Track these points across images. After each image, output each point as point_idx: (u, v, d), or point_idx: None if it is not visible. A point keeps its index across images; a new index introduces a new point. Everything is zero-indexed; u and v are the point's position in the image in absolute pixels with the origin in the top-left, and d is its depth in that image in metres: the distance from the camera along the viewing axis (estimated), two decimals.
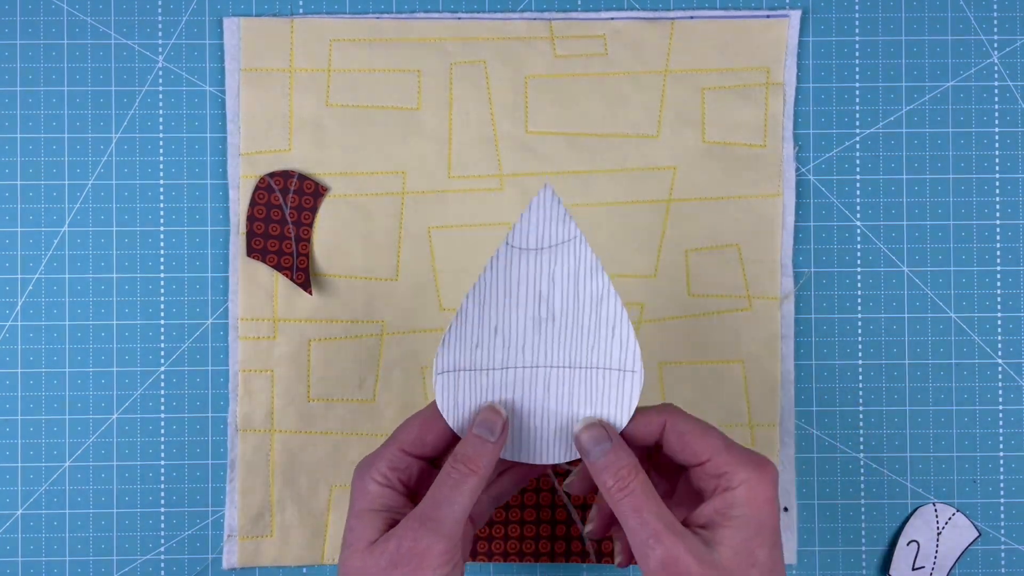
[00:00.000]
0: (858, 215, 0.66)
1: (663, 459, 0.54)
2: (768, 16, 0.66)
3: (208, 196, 0.66)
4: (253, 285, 0.66)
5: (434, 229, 0.66)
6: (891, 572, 0.66)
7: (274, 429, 0.66)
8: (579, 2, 0.67)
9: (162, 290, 0.66)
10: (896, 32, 0.67)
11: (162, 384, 0.66)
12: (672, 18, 0.66)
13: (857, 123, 0.67)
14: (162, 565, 0.66)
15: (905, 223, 0.66)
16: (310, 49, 0.66)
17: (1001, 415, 0.66)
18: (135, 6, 0.66)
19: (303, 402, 0.66)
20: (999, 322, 0.66)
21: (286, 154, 0.66)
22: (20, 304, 0.66)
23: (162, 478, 0.66)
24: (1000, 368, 0.66)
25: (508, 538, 0.65)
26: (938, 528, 0.66)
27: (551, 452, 0.53)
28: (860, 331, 0.66)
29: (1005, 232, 0.67)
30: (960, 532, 0.66)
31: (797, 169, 0.66)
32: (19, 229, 0.66)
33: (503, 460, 0.53)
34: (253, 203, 0.65)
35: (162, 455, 0.66)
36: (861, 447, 0.66)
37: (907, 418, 0.66)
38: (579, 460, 0.52)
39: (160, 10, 0.66)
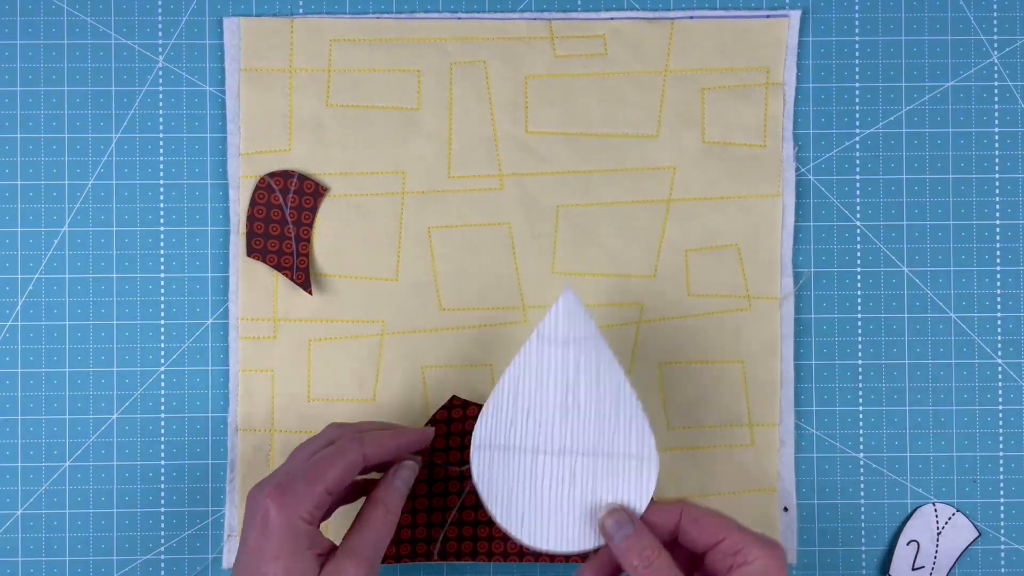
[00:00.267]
0: (858, 215, 0.67)
1: (678, 552, 0.56)
2: (768, 16, 0.66)
3: (208, 196, 0.66)
4: (253, 285, 0.66)
5: (434, 229, 0.66)
6: (891, 572, 0.66)
7: (274, 429, 0.66)
8: (579, 2, 0.67)
9: (162, 290, 0.66)
10: (896, 32, 0.67)
11: (162, 384, 0.66)
12: (672, 18, 0.66)
13: (857, 123, 0.67)
14: (162, 565, 0.66)
15: (905, 223, 0.67)
16: (310, 49, 0.66)
17: (1001, 415, 0.66)
18: (135, 6, 0.66)
19: (303, 402, 0.66)
20: (999, 322, 0.66)
21: (286, 154, 0.66)
22: (20, 304, 0.66)
23: (162, 478, 0.66)
24: (1000, 368, 0.66)
25: (492, 538, 0.65)
26: (938, 528, 0.66)
27: (576, 539, 0.57)
28: (860, 331, 0.66)
29: (1005, 232, 0.67)
30: (960, 532, 0.66)
31: (797, 169, 0.66)
32: (19, 229, 0.66)
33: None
34: (253, 203, 0.65)
35: (162, 455, 0.66)
36: (861, 447, 0.66)
37: (907, 418, 0.66)
38: (600, 547, 0.57)
39: (160, 10, 0.66)
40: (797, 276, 0.66)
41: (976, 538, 0.66)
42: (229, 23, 0.66)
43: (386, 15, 0.66)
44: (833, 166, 0.67)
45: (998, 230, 0.67)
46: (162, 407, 0.66)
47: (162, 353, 0.66)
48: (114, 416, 0.66)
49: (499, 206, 0.66)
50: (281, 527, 0.53)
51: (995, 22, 0.67)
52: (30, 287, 0.66)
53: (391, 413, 0.66)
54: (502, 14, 0.66)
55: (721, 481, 0.66)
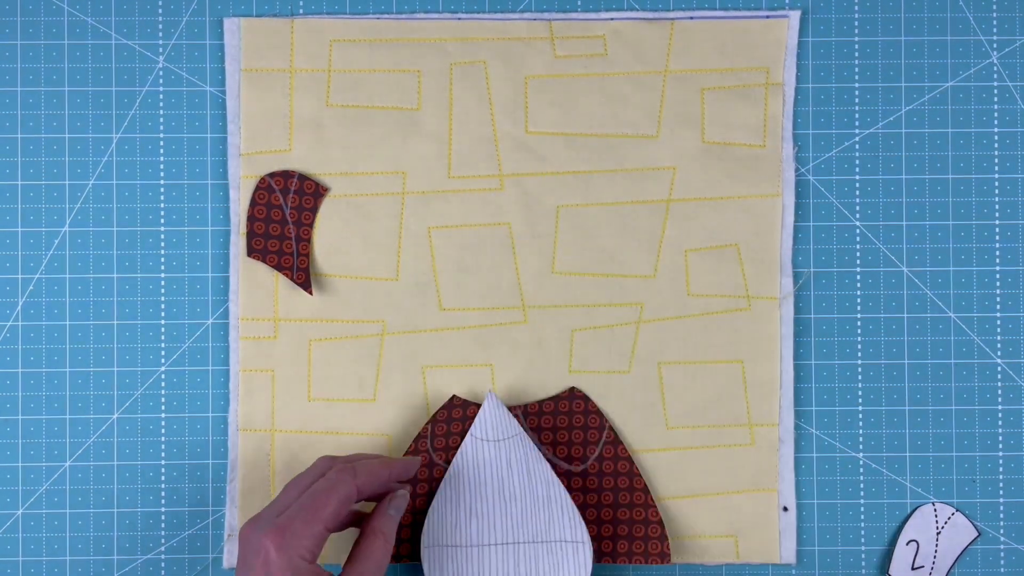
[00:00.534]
0: (857, 215, 0.67)
1: None
2: (768, 16, 0.66)
3: (208, 196, 0.66)
4: (253, 285, 0.66)
5: (434, 229, 0.66)
6: (891, 572, 0.66)
7: (274, 429, 0.66)
8: (579, 2, 0.67)
9: (162, 290, 0.66)
10: (895, 32, 0.67)
11: (162, 384, 0.66)
12: (672, 18, 0.66)
13: (856, 123, 0.67)
14: (162, 565, 0.66)
15: (904, 223, 0.67)
16: (310, 49, 0.66)
17: (1000, 415, 0.66)
18: (136, 6, 0.66)
19: (303, 402, 0.66)
20: (998, 322, 0.66)
21: (286, 154, 0.66)
22: (21, 304, 0.66)
23: (162, 478, 0.66)
24: (999, 368, 0.66)
25: None
26: (937, 528, 0.66)
27: None
28: (859, 331, 0.66)
29: (1004, 232, 0.67)
30: (959, 532, 0.66)
31: (796, 169, 0.66)
32: (20, 229, 0.66)
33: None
34: (253, 203, 0.65)
35: (162, 455, 0.66)
36: (860, 447, 0.66)
37: (906, 418, 0.66)
38: None
39: (160, 10, 0.66)
40: (797, 276, 0.66)
41: (976, 538, 0.66)
42: (229, 23, 0.66)
43: (386, 15, 0.66)
44: (833, 166, 0.67)
45: (997, 230, 0.67)
46: (162, 407, 0.66)
47: (162, 353, 0.66)
48: (114, 416, 0.66)
49: (499, 206, 0.66)
50: (282, 568, 0.54)
51: (995, 22, 0.67)
52: (31, 287, 0.66)
53: (391, 413, 0.66)
54: (502, 14, 0.66)
55: (721, 481, 0.66)
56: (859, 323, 0.66)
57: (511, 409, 0.65)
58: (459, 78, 0.66)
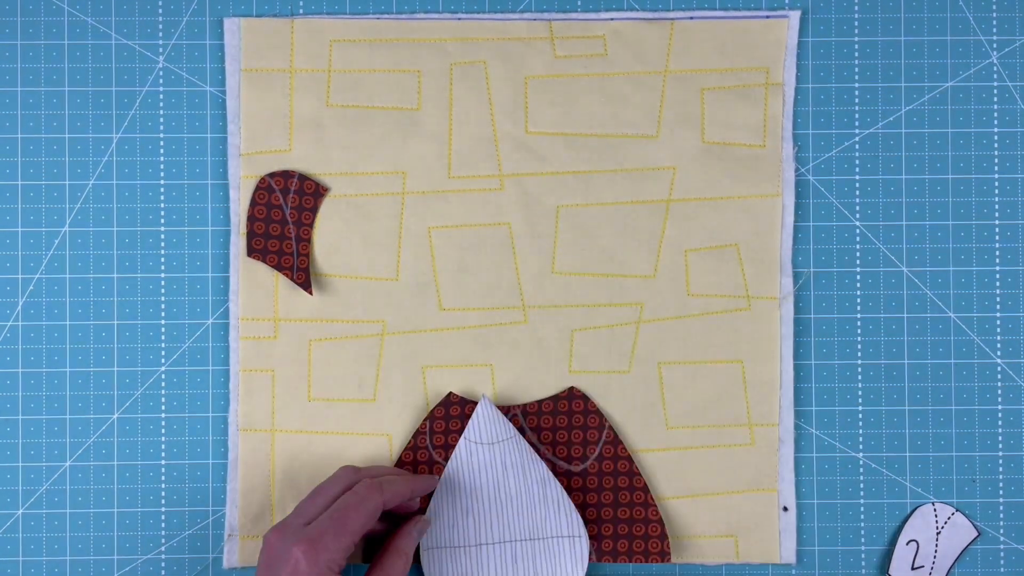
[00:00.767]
0: (857, 215, 0.67)
1: None
2: (768, 17, 0.66)
3: (208, 196, 0.66)
4: (254, 285, 0.66)
5: (434, 229, 0.66)
6: (890, 572, 0.66)
7: (275, 429, 0.66)
8: (579, 2, 0.67)
9: (163, 290, 0.66)
10: (895, 32, 0.67)
11: (163, 384, 0.66)
12: (672, 18, 0.66)
13: (856, 123, 0.67)
14: (163, 564, 0.66)
15: (904, 223, 0.67)
16: (310, 49, 0.66)
17: (1000, 415, 0.66)
18: (136, 7, 0.66)
19: (303, 402, 0.66)
20: (998, 322, 0.66)
21: (286, 154, 0.66)
22: (21, 304, 0.66)
23: (163, 478, 0.66)
24: (999, 368, 0.66)
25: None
26: (937, 527, 0.66)
27: None
28: (859, 331, 0.66)
29: (1004, 232, 0.67)
30: (959, 531, 0.66)
31: (796, 169, 0.66)
32: (20, 229, 0.66)
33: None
34: (253, 203, 0.65)
35: (162, 455, 0.66)
36: (860, 447, 0.66)
37: (906, 418, 0.66)
38: None
39: (161, 10, 0.66)
40: (797, 276, 0.67)
41: (975, 538, 0.66)
42: (229, 23, 0.66)
43: (386, 15, 0.66)
44: (832, 166, 0.67)
45: (997, 230, 0.67)
46: (163, 407, 0.66)
47: (163, 353, 0.66)
48: (115, 416, 0.66)
49: (499, 206, 0.66)
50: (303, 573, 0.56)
51: (994, 22, 0.67)
52: (31, 287, 0.66)
53: (391, 413, 0.66)
54: (502, 14, 0.66)
55: (721, 481, 0.66)
56: (859, 323, 0.66)
57: (511, 409, 0.65)
58: (459, 78, 0.66)
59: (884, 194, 0.67)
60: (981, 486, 0.66)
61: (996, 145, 0.67)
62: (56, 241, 0.66)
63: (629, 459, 0.65)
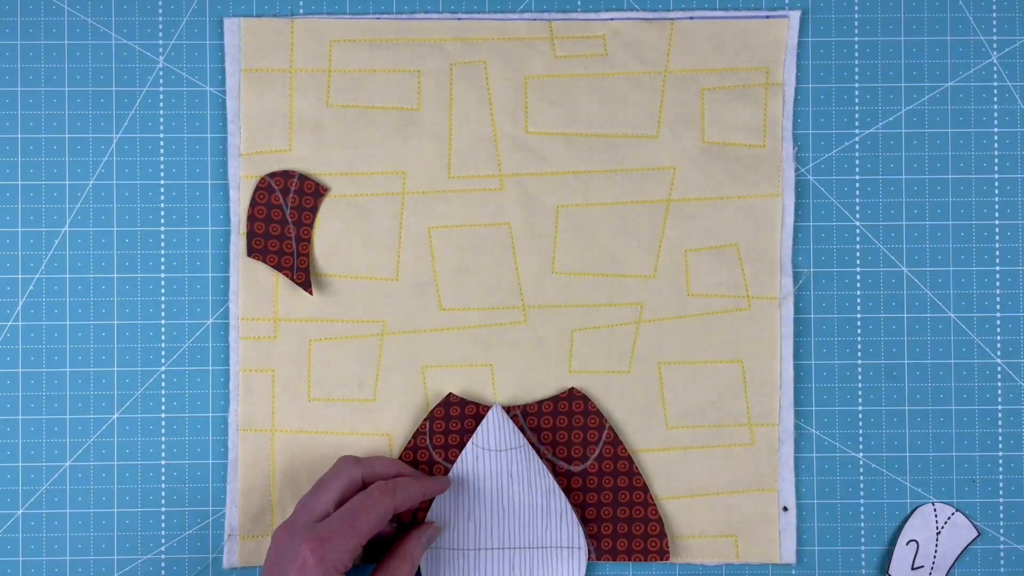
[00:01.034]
0: (857, 215, 0.67)
1: None
2: (767, 17, 0.66)
3: (208, 196, 0.66)
4: (254, 285, 0.66)
5: (434, 229, 0.66)
6: (890, 572, 0.66)
7: (275, 429, 0.66)
8: (579, 2, 0.67)
9: (163, 290, 0.66)
10: (895, 32, 0.67)
11: (163, 384, 0.66)
12: (672, 18, 0.66)
13: (856, 123, 0.67)
14: (163, 564, 0.66)
15: (904, 223, 0.67)
16: (310, 49, 0.66)
17: (1000, 415, 0.66)
18: (136, 7, 0.66)
19: (303, 402, 0.66)
20: (998, 322, 0.67)
21: (286, 154, 0.66)
22: (21, 304, 0.66)
23: (163, 478, 0.66)
24: (999, 368, 0.66)
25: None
26: (937, 527, 0.66)
27: None
28: (859, 331, 0.66)
29: (1004, 232, 0.67)
30: (959, 531, 0.66)
31: (796, 169, 0.66)
32: (20, 229, 0.66)
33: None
34: (253, 203, 0.65)
35: (162, 455, 0.66)
36: (860, 447, 0.66)
37: (906, 418, 0.66)
38: None
39: (161, 11, 0.66)
40: (797, 276, 0.67)
41: (975, 538, 0.66)
42: (229, 23, 0.66)
43: (386, 15, 0.66)
44: (832, 166, 0.67)
45: (997, 230, 0.67)
46: (163, 407, 0.66)
47: (163, 353, 0.66)
48: (115, 416, 0.66)
49: (499, 206, 0.66)
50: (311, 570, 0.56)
51: (994, 22, 0.67)
52: (31, 287, 0.66)
53: (391, 413, 0.66)
54: (502, 14, 0.66)
55: (721, 481, 0.66)
56: (859, 323, 0.66)
57: (511, 409, 0.65)
58: (459, 78, 0.66)
59: (884, 194, 0.67)
60: (981, 486, 0.66)
61: (996, 145, 0.67)
62: (56, 241, 0.66)
63: (629, 459, 0.65)
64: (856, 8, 0.67)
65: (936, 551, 0.66)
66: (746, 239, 0.66)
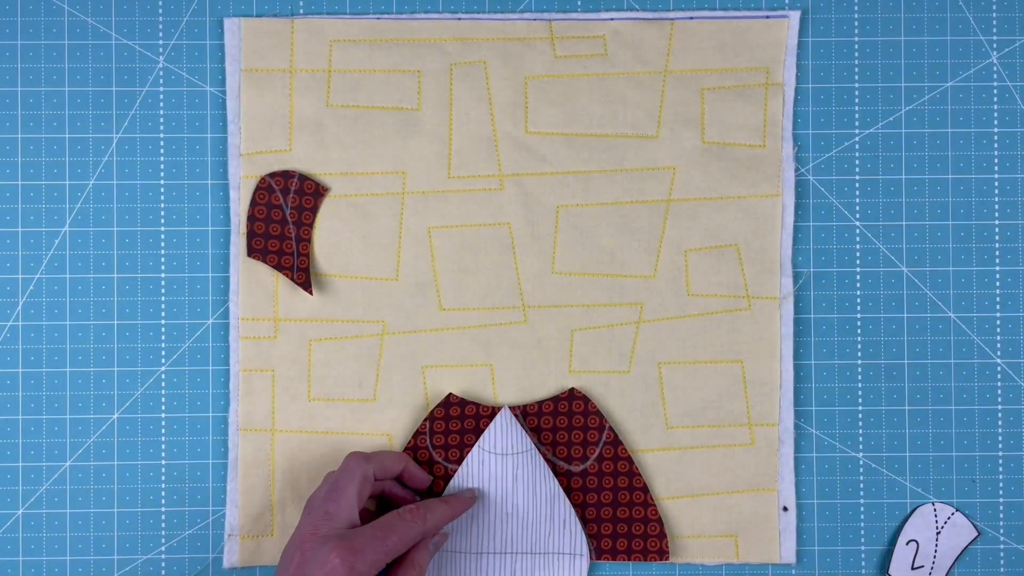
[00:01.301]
0: (857, 215, 0.67)
1: None
2: (767, 17, 0.66)
3: (209, 196, 0.66)
4: (254, 285, 0.66)
5: (434, 229, 0.66)
6: (890, 571, 0.66)
7: (275, 429, 0.66)
8: (579, 2, 0.67)
9: (163, 290, 0.66)
10: (895, 32, 0.67)
11: (163, 384, 0.66)
12: (672, 19, 0.66)
13: (856, 123, 0.67)
14: (163, 564, 0.66)
15: (904, 223, 0.67)
16: (310, 49, 0.66)
17: (1000, 415, 0.66)
18: (136, 7, 0.66)
19: (303, 402, 0.66)
20: (998, 322, 0.67)
21: (286, 154, 0.66)
22: (21, 304, 0.66)
23: (163, 478, 0.66)
24: (999, 368, 0.66)
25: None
26: (937, 527, 0.66)
27: None
28: (859, 331, 0.66)
29: (1004, 232, 0.67)
30: (959, 531, 0.66)
31: (796, 169, 0.66)
32: (20, 229, 0.66)
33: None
34: (254, 203, 0.65)
35: (163, 455, 0.66)
36: (860, 447, 0.66)
37: (906, 418, 0.66)
38: None
39: (161, 11, 0.66)
40: (797, 276, 0.67)
41: (975, 538, 0.66)
42: (230, 24, 0.66)
43: (386, 15, 0.66)
44: (832, 166, 0.67)
45: (997, 230, 0.67)
46: (163, 407, 0.66)
47: (163, 353, 0.66)
48: (115, 416, 0.66)
49: (499, 206, 0.66)
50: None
51: (994, 22, 0.67)
52: (31, 287, 0.66)
53: (391, 413, 0.66)
54: (502, 14, 0.66)
55: (721, 481, 0.66)
56: (859, 323, 0.66)
57: (511, 410, 0.65)
58: (459, 78, 0.66)
59: (884, 194, 0.67)
60: (981, 486, 0.66)
61: (996, 145, 0.67)
62: (56, 241, 0.66)
63: (629, 459, 0.65)
64: (856, 8, 0.67)
65: (936, 551, 0.66)
66: (746, 239, 0.66)
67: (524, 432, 0.65)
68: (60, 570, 0.65)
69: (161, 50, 0.66)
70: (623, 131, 0.66)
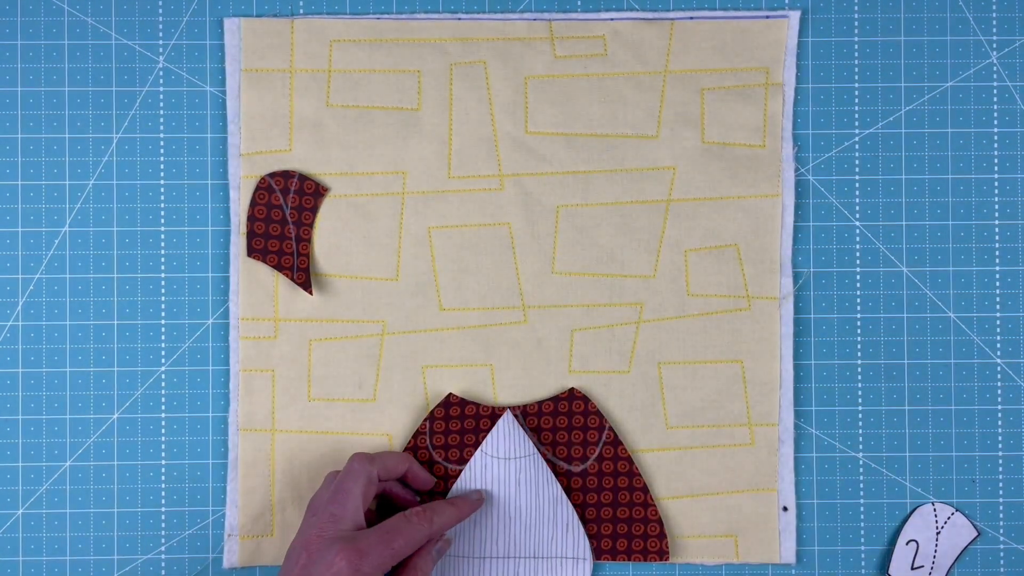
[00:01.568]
0: (857, 215, 0.67)
1: None
2: (767, 17, 0.66)
3: (209, 196, 0.66)
4: (254, 285, 0.66)
5: (434, 229, 0.66)
6: (890, 571, 0.66)
7: (275, 429, 0.66)
8: (579, 2, 0.67)
9: (163, 290, 0.66)
10: (895, 33, 0.67)
11: (163, 384, 0.66)
12: (672, 19, 0.66)
13: (856, 123, 0.67)
14: (163, 564, 0.66)
15: (904, 223, 0.67)
16: (310, 49, 0.66)
17: (1000, 415, 0.66)
18: (136, 7, 0.66)
19: (303, 402, 0.66)
20: (998, 322, 0.67)
21: (286, 154, 0.66)
22: (21, 304, 0.66)
23: (163, 478, 0.66)
24: (999, 368, 0.66)
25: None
26: (937, 527, 0.66)
27: None
28: (859, 331, 0.66)
29: (1004, 232, 0.67)
30: (959, 531, 0.66)
31: (796, 169, 0.66)
32: (20, 229, 0.66)
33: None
34: (253, 203, 0.65)
35: (162, 455, 0.66)
36: (860, 447, 0.66)
37: (906, 418, 0.66)
38: None
39: (161, 11, 0.66)
40: (797, 276, 0.67)
41: (975, 538, 0.66)
42: (230, 23, 0.66)
43: (386, 15, 0.66)
44: (832, 166, 0.67)
45: (997, 230, 0.67)
46: (163, 407, 0.66)
47: (163, 353, 0.66)
48: (115, 416, 0.66)
49: (499, 206, 0.66)
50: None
51: (994, 22, 0.67)
52: (31, 287, 0.66)
53: (391, 413, 0.66)
54: (502, 15, 0.66)
55: (721, 481, 0.66)
56: (859, 323, 0.66)
57: (511, 410, 0.65)
58: (459, 78, 0.66)
59: (884, 194, 0.67)
60: (981, 486, 0.66)
61: (996, 145, 0.67)
62: (56, 241, 0.66)
63: (629, 460, 0.65)
64: (856, 8, 0.67)
65: (936, 551, 0.66)
66: (746, 239, 0.66)
67: (526, 436, 0.64)
68: (60, 570, 0.65)
69: (161, 50, 0.66)
70: (623, 131, 0.66)
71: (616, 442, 0.65)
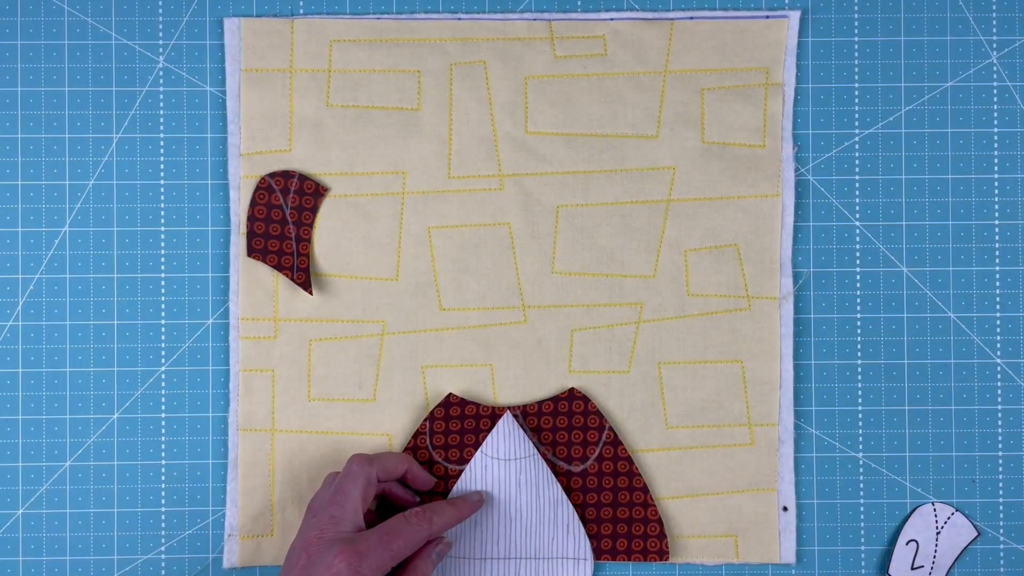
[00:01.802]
0: (857, 215, 0.67)
1: None
2: (767, 17, 0.66)
3: (209, 196, 0.66)
4: (254, 285, 0.66)
5: (434, 229, 0.66)
6: (890, 571, 0.66)
7: (275, 429, 0.66)
8: (579, 2, 0.67)
9: (163, 290, 0.66)
10: (895, 33, 0.67)
11: (163, 384, 0.66)
12: (672, 19, 0.66)
13: (856, 123, 0.67)
14: (163, 564, 0.66)
15: (904, 223, 0.67)
16: (310, 49, 0.66)
17: (1000, 415, 0.66)
18: (136, 7, 0.66)
19: (303, 402, 0.66)
20: (998, 322, 0.67)
21: (286, 154, 0.66)
22: (21, 304, 0.66)
23: (163, 478, 0.66)
24: (999, 368, 0.66)
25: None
26: (937, 527, 0.66)
27: None
28: (859, 331, 0.66)
29: (1004, 232, 0.67)
30: (959, 531, 0.66)
31: (796, 169, 0.66)
32: (20, 229, 0.66)
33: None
34: (253, 203, 0.65)
35: (162, 455, 0.66)
36: (860, 447, 0.66)
37: (906, 418, 0.66)
38: None
39: (161, 11, 0.66)
40: (797, 276, 0.67)
41: (975, 538, 0.66)
42: (230, 23, 0.66)
43: (386, 15, 0.66)
44: (832, 166, 0.67)
45: (997, 230, 0.67)
46: (162, 407, 0.66)
47: (163, 353, 0.66)
48: (115, 416, 0.66)
49: (499, 206, 0.66)
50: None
51: (994, 22, 0.67)
52: (31, 287, 0.66)
53: (391, 413, 0.66)
54: (502, 14, 0.66)
55: (721, 481, 0.66)
56: (859, 323, 0.66)
57: (511, 409, 0.65)
58: (459, 78, 0.66)
59: (884, 194, 0.67)
60: (981, 486, 0.66)
61: (996, 145, 0.67)
62: (56, 241, 0.66)
63: (629, 460, 0.65)
64: (856, 8, 0.67)
65: (936, 551, 0.66)
66: (746, 239, 0.66)
67: (526, 437, 0.65)
68: (60, 570, 0.65)
69: (161, 50, 0.66)
70: (623, 131, 0.66)
71: (616, 442, 0.65)
